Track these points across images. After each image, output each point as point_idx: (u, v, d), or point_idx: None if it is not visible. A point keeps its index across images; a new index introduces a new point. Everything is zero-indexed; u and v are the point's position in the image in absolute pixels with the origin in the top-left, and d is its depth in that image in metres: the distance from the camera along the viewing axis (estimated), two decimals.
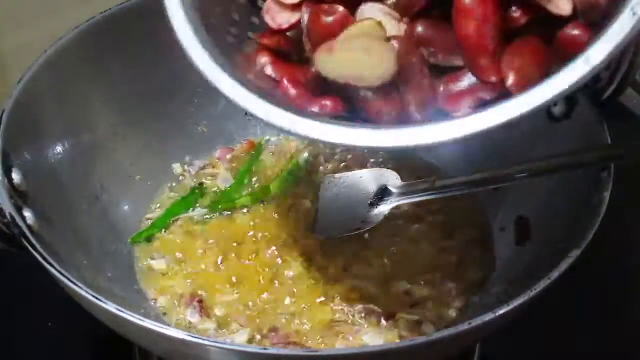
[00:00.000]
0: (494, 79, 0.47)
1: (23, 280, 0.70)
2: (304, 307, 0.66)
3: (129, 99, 0.74)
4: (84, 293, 0.52)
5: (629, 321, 0.72)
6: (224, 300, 0.67)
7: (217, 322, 0.65)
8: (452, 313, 0.65)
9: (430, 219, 0.73)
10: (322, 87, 0.50)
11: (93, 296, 0.51)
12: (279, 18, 0.53)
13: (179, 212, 0.74)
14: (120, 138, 0.74)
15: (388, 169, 0.72)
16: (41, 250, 0.54)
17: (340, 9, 0.50)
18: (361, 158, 0.78)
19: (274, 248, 0.70)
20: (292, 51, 0.54)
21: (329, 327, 0.64)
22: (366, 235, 0.70)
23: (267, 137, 0.81)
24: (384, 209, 0.69)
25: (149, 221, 0.74)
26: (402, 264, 0.69)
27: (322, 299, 0.66)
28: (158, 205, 0.75)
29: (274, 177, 0.77)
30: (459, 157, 0.73)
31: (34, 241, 0.55)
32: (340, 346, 0.63)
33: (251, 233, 0.72)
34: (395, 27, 0.49)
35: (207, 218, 0.74)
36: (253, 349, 0.55)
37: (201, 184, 0.77)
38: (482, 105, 0.48)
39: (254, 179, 0.77)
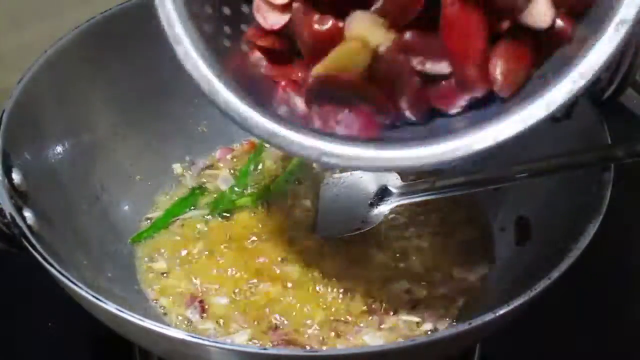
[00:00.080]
0: (481, 87, 0.48)
1: (23, 280, 0.70)
2: (304, 307, 0.66)
3: (129, 99, 0.74)
4: (84, 293, 0.52)
5: (629, 321, 0.72)
6: (224, 300, 0.67)
7: (217, 322, 0.65)
8: (452, 313, 0.65)
9: (430, 218, 0.73)
10: (318, 94, 0.50)
11: (93, 296, 0.51)
12: (270, 18, 0.53)
13: (179, 212, 0.74)
14: (120, 138, 0.74)
15: None
16: (41, 250, 0.54)
17: (331, 21, 0.50)
18: None
19: (274, 248, 0.70)
20: (286, 50, 0.54)
21: (329, 327, 0.64)
22: (366, 235, 0.70)
23: None
24: (384, 209, 0.69)
25: (149, 221, 0.74)
26: (402, 263, 0.69)
27: (322, 298, 0.66)
28: (158, 205, 0.75)
29: (274, 177, 0.77)
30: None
31: (34, 241, 0.55)
32: (340, 346, 0.63)
33: (251, 233, 0.72)
34: (383, 36, 0.49)
35: (207, 218, 0.74)
36: (253, 349, 0.55)
37: (201, 184, 0.77)
38: (475, 102, 0.49)
39: (254, 179, 0.77)
